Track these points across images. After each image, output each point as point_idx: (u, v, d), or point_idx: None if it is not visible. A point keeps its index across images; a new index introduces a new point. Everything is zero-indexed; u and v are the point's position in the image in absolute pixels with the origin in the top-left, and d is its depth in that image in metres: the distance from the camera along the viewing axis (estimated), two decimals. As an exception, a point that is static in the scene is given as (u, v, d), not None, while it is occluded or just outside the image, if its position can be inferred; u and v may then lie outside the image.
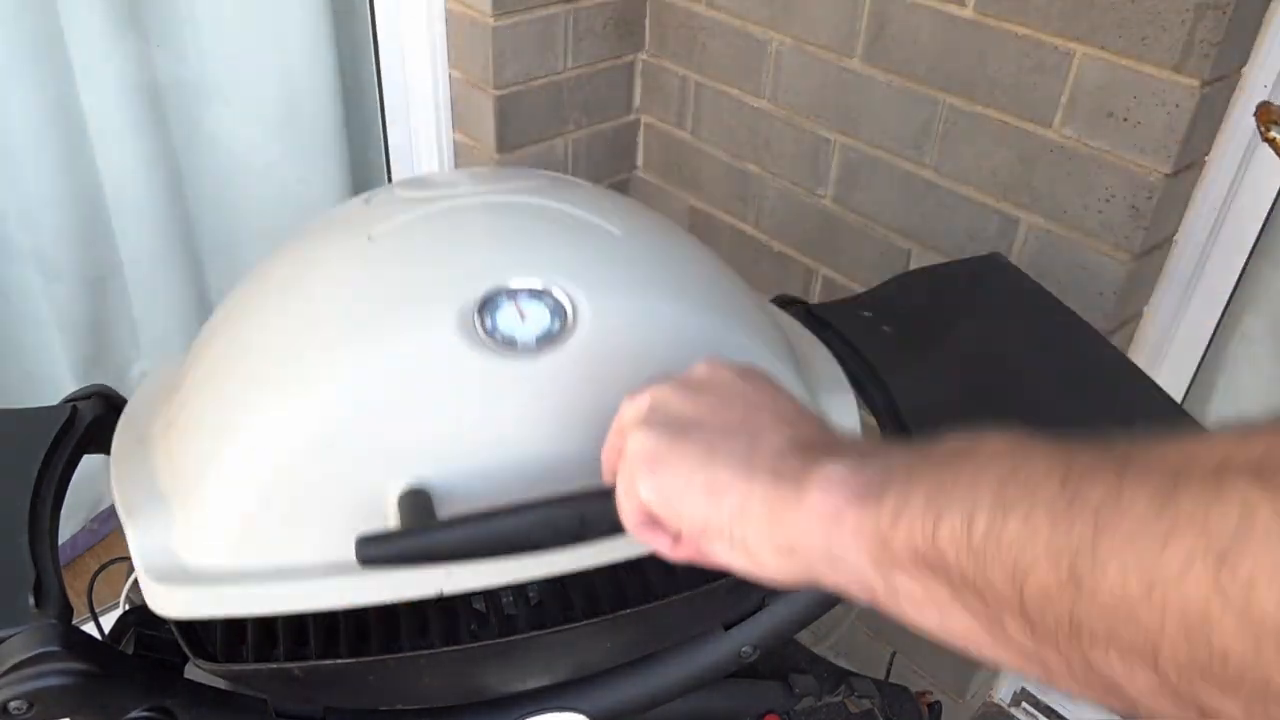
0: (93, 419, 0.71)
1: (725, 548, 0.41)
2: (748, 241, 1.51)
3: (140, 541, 0.56)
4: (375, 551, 0.48)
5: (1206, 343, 1.22)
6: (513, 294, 0.56)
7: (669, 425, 0.43)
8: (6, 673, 0.52)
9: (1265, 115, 1.00)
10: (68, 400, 0.72)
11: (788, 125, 1.38)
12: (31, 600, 0.56)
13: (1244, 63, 1.03)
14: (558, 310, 0.56)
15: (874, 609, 0.38)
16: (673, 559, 0.46)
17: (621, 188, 1.64)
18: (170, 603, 0.54)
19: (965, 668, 1.49)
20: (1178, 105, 1.00)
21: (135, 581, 0.61)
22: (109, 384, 0.75)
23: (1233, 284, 1.17)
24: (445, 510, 0.54)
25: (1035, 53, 1.09)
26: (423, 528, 0.50)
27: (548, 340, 0.55)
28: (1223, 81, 1.02)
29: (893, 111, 1.24)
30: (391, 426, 0.54)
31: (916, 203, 1.26)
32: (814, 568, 0.39)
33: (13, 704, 0.52)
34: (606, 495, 0.49)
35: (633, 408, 0.47)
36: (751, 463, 0.41)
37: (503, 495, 0.55)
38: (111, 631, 0.64)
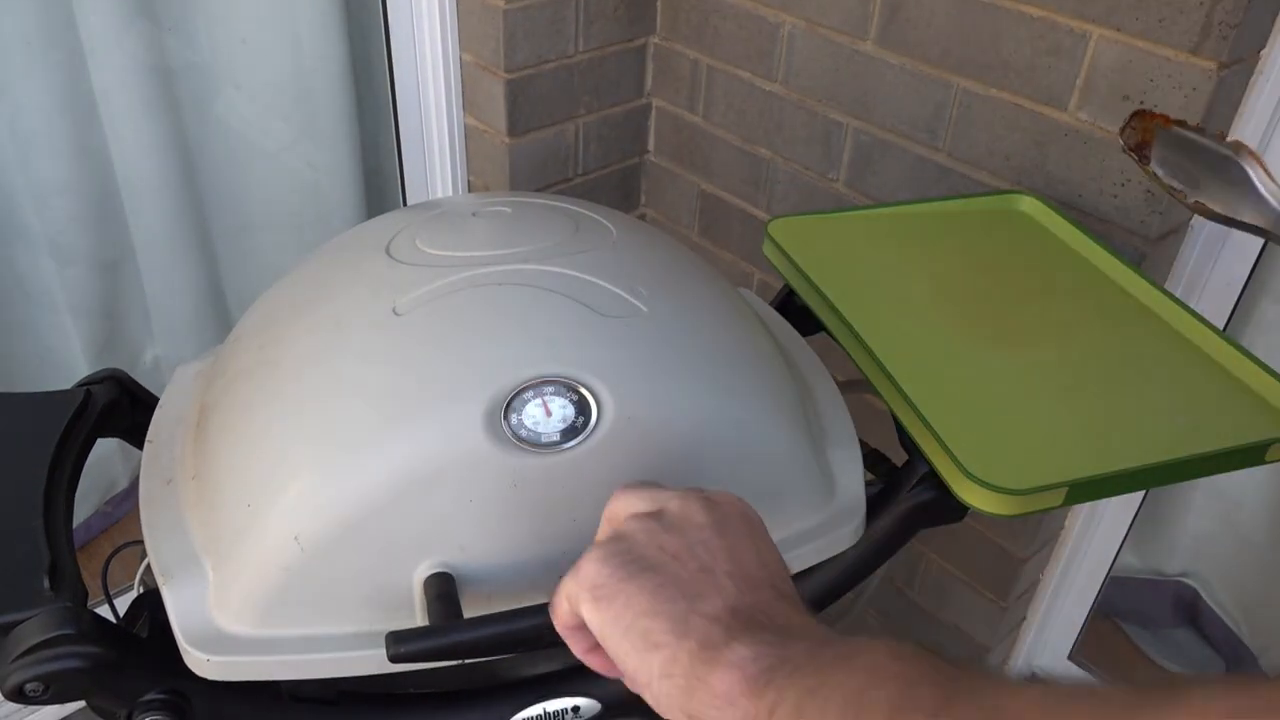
0: (107, 403, 0.71)
1: (646, 695, 0.43)
2: (759, 226, 1.51)
3: (176, 602, 0.58)
4: (404, 650, 0.51)
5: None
6: (538, 390, 0.58)
7: (624, 563, 0.45)
8: (22, 655, 0.53)
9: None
10: (81, 384, 0.72)
11: (800, 109, 1.37)
12: (46, 583, 0.56)
13: (1263, 45, 1.02)
14: (582, 406, 0.58)
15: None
16: (584, 661, 0.48)
17: (633, 172, 1.63)
18: (206, 668, 0.56)
19: (975, 652, 1.49)
20: (1195, 88, 0.99)
21: (149, 565, 0.62)
22: (122, 368, 0.75)
23: (1249, 270, 1.16)
24: (468, 591, 0.57)
25: (1050, 35, 1.08)
26: (448, 627, 0.53)
27: (571, 434, 0.58)
28: (1241, 64, 1.01)
29: (906, 95, 1.23)
30: (419, 516, 0.56)
31: (930, 187, 1.25)
32: None
33: (28, 686, 0.53)
34: None
35: (619, 504, 0.49)
36: (687, 623, 0.42)
37: (523, 579, 0.58)
38: (126, 615, 0.65)
